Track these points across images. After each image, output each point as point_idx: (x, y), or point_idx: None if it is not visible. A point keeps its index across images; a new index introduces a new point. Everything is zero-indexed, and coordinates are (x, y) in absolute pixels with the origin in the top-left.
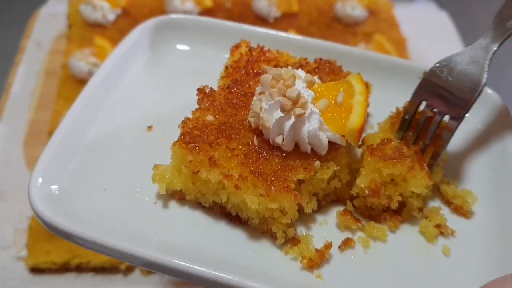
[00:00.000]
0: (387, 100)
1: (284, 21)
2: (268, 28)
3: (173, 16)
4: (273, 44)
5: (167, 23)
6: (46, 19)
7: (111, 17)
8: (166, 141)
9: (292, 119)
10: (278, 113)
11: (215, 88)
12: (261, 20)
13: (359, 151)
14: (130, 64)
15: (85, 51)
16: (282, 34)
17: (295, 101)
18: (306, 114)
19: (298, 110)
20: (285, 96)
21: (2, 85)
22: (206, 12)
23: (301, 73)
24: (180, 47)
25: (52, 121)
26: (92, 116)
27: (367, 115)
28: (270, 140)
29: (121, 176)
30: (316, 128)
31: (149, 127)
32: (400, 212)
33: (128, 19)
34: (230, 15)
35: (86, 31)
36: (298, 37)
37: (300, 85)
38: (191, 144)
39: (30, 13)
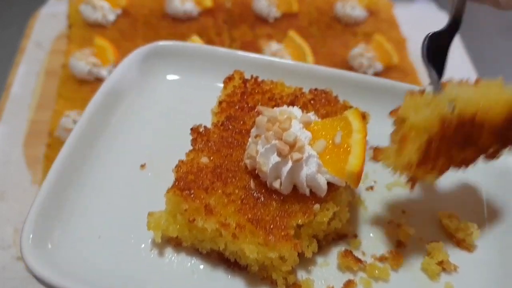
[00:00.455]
0: (385, 126)
1: (284, 21)
2: (261, 55)
3: (161, 43)
4: (266, 70)
5: (156, 52)
6: (46, 19)
7: (111, 17)
8: (160, 181)
9: (290, 164)
10: (275, 158)
11: (209, 121)
12: (261, 20)
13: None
14: (120, 99)
15: (85, 51)
16: (276, 60)
17: (292, 145)
18: (304, 158)
19: (296, 155)
20: (281, 139)
21: (2, 85)
22: (206, 12)
23: (297, 111)
24: (170, 77)
25: (52, 121)
26: (82, 158)
27: (366, 151)
28: (268, 183)
29: (116, 222)
30: (314, 171)
31: (142, 166)
32: (402, 249)
33: (128, 19)
34: (230, 15)
35: (86, 31)
36: (292, 62)
37: (296, 126)
38: (186, 191)
39: (30, 13)
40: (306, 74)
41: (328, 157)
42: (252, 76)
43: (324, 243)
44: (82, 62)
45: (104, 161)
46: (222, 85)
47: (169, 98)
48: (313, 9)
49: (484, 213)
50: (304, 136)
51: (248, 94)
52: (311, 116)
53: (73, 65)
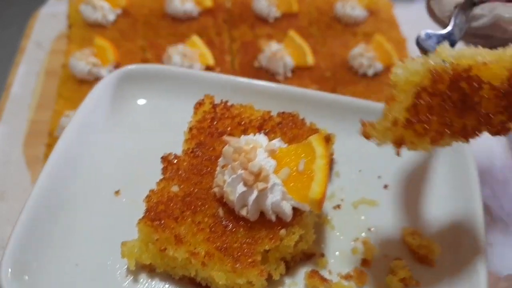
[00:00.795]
0: (351, 146)
1: (284, 21)
2: (230, 75)
3: (130, 68)
4: (237, 92)
5: (126, 77)
6: (46, 19)
7: (111, 17)
8: (134, 207)
9: (255, 193)
10: (241, 187)
11: (180, 146)
12: (261, 20)
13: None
14: (93, 126)
15: (85, 51)
16: (245, 81)
17: (257, 175)
18: (269, 186)
19: (261, 185)
20: (247, 169)
21: (2, 85)
22: (206, 12)
23: (262, 139)
24: (141, 101)
25: (52, 121)
26: (57, 190)
27: (329, 176)
28: (236, 211)
29: (92, 250)
30: (279, 199)
31: (116, 192)
32: (367, 267)
33: (128, 19)
34: (230, 15)
35: (86, 31)
36: (263, 83)
37: (261, 155)
38: (156, 222)
39: (30, 13)
40: (276, 95)
41: (292, 184)
42: (222, 101)
43: (292, 264)
44: (82, 62)
45: (79, 190)
46: (193, 106)
47: (141, 123)
48: (313, 9)
49: (446, 229)
50: (269, 165)
51: (218, 119)
52: (276, 143)
53: (73, 65)
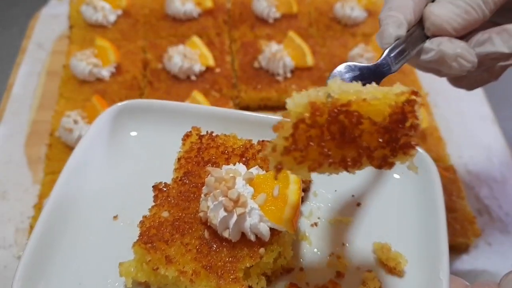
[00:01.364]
0: None
1: (284, 22)
2: (214, 107)
3: (125, 103)
4: (223, 122)
5: (122, 111)
6: (47, 20)
7: (112, 18)
8: (130, 230)
9: (235, 217)
10: (222, 212)
11: (171, 173)
12: (261, 20)
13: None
14: (92, 157)
15: (86, 51)
16: (228, 112)
17: (236, 201)
18: (247, 211)
19: (239, 210)
20: (227, 197)
21: (4, 86)
22: (207, 13)
23: (241, 168)
24: (133, 133)
25: (53, 121)
26: (61, 216)
27: (301, 199)
28: (219, 233)
29: (93, 269)
30: (257, 221)
31: (115, 217)
32: (341, 279)
33: (128, 20)
34: (230, 16)
35: (87, 32)
36: (245, 114)
37: (240, 183)
38: (149, 244)
39: (31, 14)
40: (257, 124)
41: (268, 208)
42: (207, 132)
43: (273, 278)
44: (83, 62)
45: (81, 215)
46: (182, 138)
47: (135, 153)
48: (312, 10)
49: (412, 242)
50: (247, 191)
51: (204, 149)
52: (254, 171)
53: (74, 66)
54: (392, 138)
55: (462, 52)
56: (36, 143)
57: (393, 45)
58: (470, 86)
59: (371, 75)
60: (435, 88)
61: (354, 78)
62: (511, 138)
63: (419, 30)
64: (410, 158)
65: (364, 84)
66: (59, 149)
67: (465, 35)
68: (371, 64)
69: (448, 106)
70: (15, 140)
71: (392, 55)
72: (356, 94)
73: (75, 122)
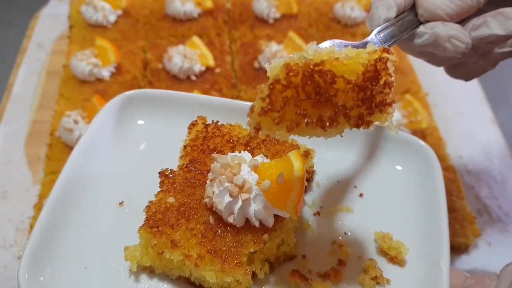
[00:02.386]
0: (331, 159)
1: (284, 22)
2: (223, 98)
3: (132, 92)
4: (227, 112)
5: (128, 100)
6: (47, 20)
7: (112, 18)
8: (136, 216)
9: (240, 202)
10: (228, 198)
11: (176, 162)
12: (261, 21)
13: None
14: (99, 144)
15: (86, 51)
16: (233, 102)
17: (241, 187)
18: (251, 197)
19: (244, 196)
20: (232, 182)
21: (4, 86)
22: (207, 13)
23: (247, 155)
24: (140, 122)
25: (53, 121)
26: (68, 202)
27: (304, 188)
28: (224, 218)
29: (99, 254)
30: (261, 208)
31: (120, 203)
32: (343, 266)
33: (129, 20)
34: (230, 16)
35: (87, 32)
36: (249, 104)
37: (245, 170)
38: (155, 229)
39: (31, 14)
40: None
41: (272, 194)
42: (213, 121)
43: (276, 264)
44: (83, 62)
45: (87, 201)
46: (188, 126)
47: (141, 141)
48: (312, 10)
49: (414, 232)
50: (251, 178)
51: (209, 138)
52: (259, 159)
53: (74, 66)
54: (367, 96)
55: (456, 33)
56: (36, 143)
57: (382, 26)
58: (466, 76)
59: None
60: (435, 88)
61: None
62: (511, 138)
63: (412, 16)
64: (388, 117)
65: None
66: (59, 149)
67: (459, 23)
68: (359, 42)
69: (448, 106)
70: (15, 140)
71: (381, 35)
72: (329, 55)
73: (75, 122)
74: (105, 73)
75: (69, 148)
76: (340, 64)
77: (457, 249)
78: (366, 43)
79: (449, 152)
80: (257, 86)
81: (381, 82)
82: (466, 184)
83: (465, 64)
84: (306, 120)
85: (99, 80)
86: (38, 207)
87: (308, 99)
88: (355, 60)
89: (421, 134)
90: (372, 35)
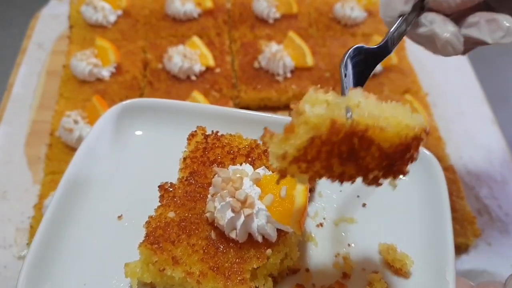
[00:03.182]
0: None
1: (284, 22)
2: (222, 107)
3: (129, 102)
4: (228, 121)
5: (125, 110)
6: (47, 20)
7: (112, 18)
8: (135, 230)
9: (242, 218)
10: (230, 213)
11: (176, 173)
12: (261, 21)
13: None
14: (97, 156)
15: (86, 51)
16: (233, 111)
17: (243, 202)
18: (254, 212)
19: (247, 211)
20: (234, 197)
21: (4, 86)
22: (207, 13)
23: (248, 168)
24: (138, 133)
25: (53, 121)
26: (65, 216)
27: (309, 199)
28: (226, 233)
29: (98, 270)
30: (264, 223)
31: (119, 217)
32: (347, 280)
33: (128, 20)
34: (230, 16)
35: (87, 32)
36: (250, 113)
37: (247, 184)
38: (155, 245)
39: (31, 14)
40: (263, 123)
41: (275, 208)
42: (212, 132)
43: (279, 279)
44: (83, 62)
45: (86, 215)
46: (189, 133)
47: (139, 153)
48: (312, 10)
49: (418, 243)
50: (254, 192)
51: (209, 149)
52: (261, 171)
53: (74, 66)
54: (389, 164)
55: (451, 39)
56: (36, 143)
57: (397, 24)
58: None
59: (374, 57)
60: (435, 88)
61: (359, 62)
62: (511, 138)
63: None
64: (396, 179)
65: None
66: (59, 149)
67: (463, 11)
68: (376, 46)
69: (448, 106)
70: (15, 140)
71: (395, 34)
72: (375, 120)
73: (75, 122)
74: (105, 73)
75: (69, 148)
76: (381, 132)
77: (457, 249)
78: (383, 47)
79: (449, 152)
80: (291, 125)
81: (407, 156)
82: (466, 184)
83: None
84: (330, 174)
85: (99, 80)
86: (38, 207)
87: (339, 157)
88: (395, 130)
89: None
90: (387, 37)
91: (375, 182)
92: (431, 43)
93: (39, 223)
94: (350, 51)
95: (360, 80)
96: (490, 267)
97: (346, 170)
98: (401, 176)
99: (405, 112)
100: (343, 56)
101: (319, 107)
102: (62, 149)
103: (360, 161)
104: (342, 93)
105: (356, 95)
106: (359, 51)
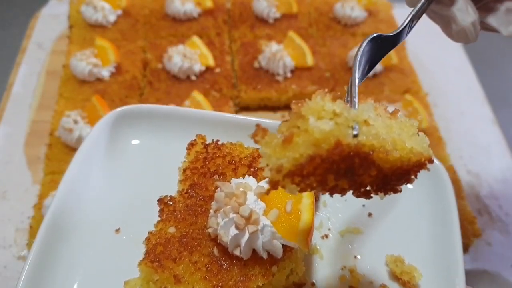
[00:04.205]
0: None
1: (284, 22)
2: (220, 112)
3: (124, 108)
4: (229, 128)
5: (121, 117)
6: (47, 20)
7: (111, 18)
8: (133, 244)
9: (247, 235)
10: (233, 230)
11: (175, 184)
12: (261, 20)
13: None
14: (92, 166)
15: (86, 51)
16: (233, 117)
17: (248, 218)
18: (259, 228)
19: (251, 228)
20: (238, 213)
21: (4, 85)
22: (207, 12)
23: (251, 181)
24: (135, 142)
25: (53, 121)
26: (60, 229)
27: (314, 214)
28: (229, 250)
29: (96, 286)
30: (270, 239)
31: (117, 230)
32: None
33: (128, 20)
34: (230, 16)
35: (87, 31)
36: (250, 119)
37: (251, 198)
38: (156, 263)
39: (31, 14)
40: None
41: (281, 224)
42: (213, 141)
43: None
44: (83, 62)
45: (81, 228)
46: (187, 143)
47: (136, 163)
48: (312, 10)
49: (426, 255)
50: (258, 207)
51: (210, 159)
52: (265, 185)
53: (74, 66)
54: (385, 184)
55: (469, 28)
56: (36, 143)
57: (414, 11)
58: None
59: (388, 43)
60: (435, 88)
61: (374, 49)
62: (511, 138)
63: None
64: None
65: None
66: (59, 149)
67: None
68: (392, 33)
69: (448, 106)
70: (15, 140)
71: (413, 24)
72: (381, 143)
73: (75, 122)
74: (105, 73)
75: (68, 148)
76: (385, 155)
77: None
78: (399, 33)
79: (449, 152)
80: (292, 107)
81: (405, 178)
82: (466, 184)
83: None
84: (322, 187)
85: (99, 80)
86: (38, 207)
87: (335, 174)
88: (399, 155)
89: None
90: (405, 24)
91: (365, 195)
92: (446, 24)
93: (39, 223)
94: (365, 44)
95: (370, 67)
96: (490, 267)
97: (340, 184)
98: (391, 194)
99: (412, 132)
100: (358, 50)
101: (325, 121)
102: (61, 149)
103: (356, 177)
104: (351, 91)
105: (366, 110)
106: (375, 40)
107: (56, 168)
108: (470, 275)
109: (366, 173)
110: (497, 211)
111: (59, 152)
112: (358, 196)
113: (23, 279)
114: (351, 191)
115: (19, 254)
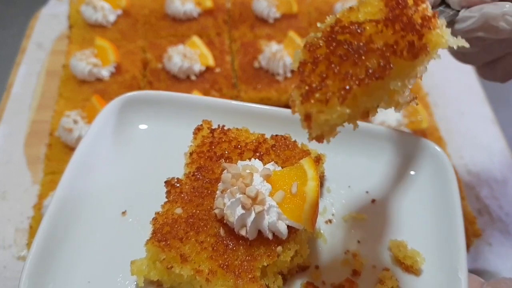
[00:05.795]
0: (341, 163)
1: (284, 21)
2: (228, 100)
3: (132, 94)
4: (233, 115)
5: (128, 103)
6: (47, 19)
7: (111, 17)
8: (140, 226)
9: (253, 215)
10: (240, 210)
11: (181, 168)
12: (261, 20)
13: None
14: (99, 150)
15: (85, 51)
16: (240, 104)
17: (254, 199)
18: (265, 209)
19: (258, 208)
20: (244, 194)
21: (4, 85)
22: (207, 13)
23: (258, 164)
24: (142, 126)
25: (53, 121)
26: (67, 213)
27: (320, 194)
28: (235, 230)
29: (103, 267)
30: (275, 220)
31: (123, 213)
32: (357, 277)
33: (128, 20)
34: (230, 16)
35: (87, 31)
36: (256, 106)
37: (257, 180)
38: (163, 242)
39: (31, 13)
40: (270, 118)
41: (286, 205)
42: (219, 126)
43: (288, 276)
44: (83, 62)
45: (89, 211)
46: (194, 127)
47: (144, 147)
48: (312, 10)
49: (429, 240)
50: (264, 188)
51: (216, 144)
52: (270, 167)
53: (74, 66)
54: (406, 22)
55: (510, 9)
56: (36, 143)
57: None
58: (505, 75)
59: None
60: (436, 88)
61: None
62: (511, 138)
63: (443, 8)
64: (442, 32)
65: None
66: (59, 149)
67: None
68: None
69: (448, 106)
70: (15, 140)
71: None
72: (342, 11)
73: (75, 122)
74: (105, 73)
75: (68, 148)
76: (356, 12)
77: None
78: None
79: (450, 152)
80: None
81: (410, 2)
82: (467, 184)
83: (504, 61)
84: (354, 81)
85: (99, 80)
86: (38, 207)
87: (345, 61)
88: (368, 1)
89: (422, 134)
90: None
91: (413, 47)
92: (489, 30)
93: (38, 223)
94: None
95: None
96: (490, 267)
97: (369, 64)
98: (434, 22)
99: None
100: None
101: (297, 51)
102: (61, 149)
103: (371, 45)
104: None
105: (327, 19)
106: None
107: (56, 168)
108: (486, 281)
109: (369, 36)
110: (498, 211)
111: (59, 152)
112: (414, 55)
113: (29, 264)
114: (402, 63)
115: (18, 254)
